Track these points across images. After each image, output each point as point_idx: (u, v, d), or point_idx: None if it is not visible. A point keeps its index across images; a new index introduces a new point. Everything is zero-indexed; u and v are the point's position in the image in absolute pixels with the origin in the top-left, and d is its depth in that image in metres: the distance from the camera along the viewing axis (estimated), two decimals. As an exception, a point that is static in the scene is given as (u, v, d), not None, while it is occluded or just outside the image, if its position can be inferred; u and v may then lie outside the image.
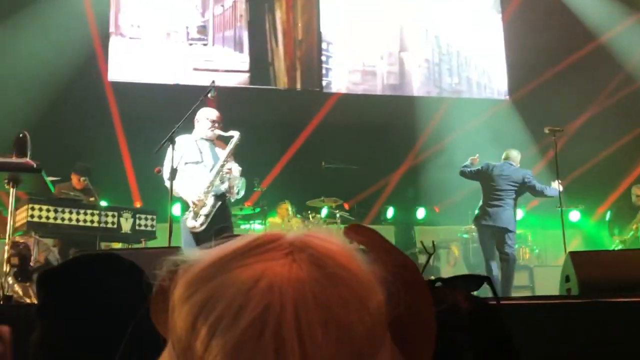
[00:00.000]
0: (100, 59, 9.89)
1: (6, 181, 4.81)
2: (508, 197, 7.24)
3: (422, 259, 8.66)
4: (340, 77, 10.90)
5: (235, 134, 5.50)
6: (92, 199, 6.81)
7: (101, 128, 9.45)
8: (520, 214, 8.45)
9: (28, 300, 4.21)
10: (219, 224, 5.35)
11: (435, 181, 9.45)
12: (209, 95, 5.53)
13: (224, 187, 5.41)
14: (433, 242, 4.16)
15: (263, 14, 10.73)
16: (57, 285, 0.93)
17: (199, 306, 0.60)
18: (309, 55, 10.80)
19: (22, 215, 6.18)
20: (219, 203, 5.38)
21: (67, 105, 9.19)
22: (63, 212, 6.32)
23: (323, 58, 10.81)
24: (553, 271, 7.36)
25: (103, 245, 6.71)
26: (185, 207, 5.39)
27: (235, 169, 5.54)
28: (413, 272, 0.76)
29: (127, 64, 10.06)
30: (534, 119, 9.77)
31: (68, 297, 0.91)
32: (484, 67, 11.43)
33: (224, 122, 5.71)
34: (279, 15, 10.78)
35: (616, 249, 8.18)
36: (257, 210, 8.43)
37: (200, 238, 5.19)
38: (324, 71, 10.80)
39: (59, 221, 6.28)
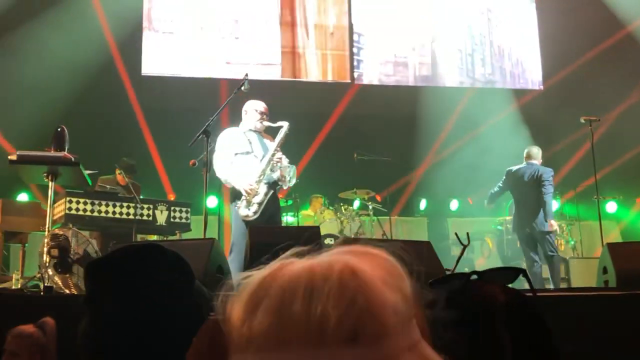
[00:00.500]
0: (131, 54, 10.00)
1: (45, 175, 4.92)
2: (539, 199, 7.13)
3: (455, 250, 8.62)
4: (372, 69, 10.86)
5: (285, 124, 5.57)
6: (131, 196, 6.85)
7: (134, 122, 9.59)
8: (555, 205, 8.33)
9: (67, 291, 4.30)
10: (270, 212, 5.42)
11: (469, 172, 9.37)
12: (242, 88, 5.55)
13: (275, 175, 5.47)
14: (467, 233, 4.14)
15: (294, 6, 10.73)
16: (105, 275, 0.95)
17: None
18: (341, 47, 10.77)
19: (60, 208, 6.30)
20: (271, 192, 5.45)
21: (96, 99, 9.33)
22: (100, 204, 6.43)
23: (354, 50, 10.77)
24: (589, 263, 7.26)
25: (139, 237, 6.79)
26: (235, 196, 5.43)
27: (284, 158, 5.60)
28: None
29: (160, 58, 10.16)
30: (569, 108, 9.60)
31: (116, 287, 0.94)
32: (518, 57, 11.28)
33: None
34: (310, 7, 10.78)
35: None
36: (290, 202, 8.46)
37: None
38: (355, 63, 10.76)
39: (95, 214, 6.39)
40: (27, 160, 4.88)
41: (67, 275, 4.32)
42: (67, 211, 6.23)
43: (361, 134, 9.75)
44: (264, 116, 5.61)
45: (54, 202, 5.40)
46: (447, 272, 4.06)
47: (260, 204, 5.33)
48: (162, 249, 0.97)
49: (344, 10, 10.83)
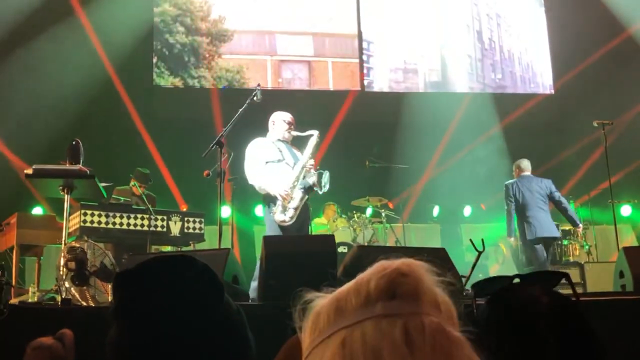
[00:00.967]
0: (139, 65, 10.06)
1: (60, 188, 4.96)
2: (544, 208, 7.23)
3: (469, 257, 8.57)
4: (382, 76, 10.87)
5: (314, 132, 5.65)
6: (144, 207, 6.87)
7: (142, 134, 9.64)
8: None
9: (85, 304, 4.33)
10: (303, 218, 5.52)
11: (481, 178, 9.34)
12: (255, 98, 5.59)
13: (311, 180, 5.52)
14: (482, 240, 4.12)
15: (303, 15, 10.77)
16: (134, 286, 0.96)
17: None
18: (350, 55, 10.79)
19: (75, 221, 6.33)
20: (306, 197, 5.52)
21: (105, 111, 9.40)
22: (114, 216, 6.46)
23: (364, 57, 10.80)
24: (605, 267, 7.21)
25: (153, 248, 6.81)
26: (269, 203, 5.46)
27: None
28: None
29: (169, 67, 10.23)
30: (581, 112, 9.56)
31: (145, 298, 0.94)
32: (528, 61, 11.25)
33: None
34: (320, 15, 10.81)
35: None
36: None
37: (286, 231, 5.36)
38: (365, 70, 10.78)
39: (110, 225, 6.42)
40: (43, 174, 4.92)
41: (85, 287, 4.35)
42: (82, 223, 6.26)
43: (372, 141, 9.74)
44: (292, 126, 5.71)
45: (69, 214, 5.43)
46: (463, 279, 4.05)
47: (296, 208, 5.41)
48: (192, 259, 0.98)
49: (353, 18, 10.86)
